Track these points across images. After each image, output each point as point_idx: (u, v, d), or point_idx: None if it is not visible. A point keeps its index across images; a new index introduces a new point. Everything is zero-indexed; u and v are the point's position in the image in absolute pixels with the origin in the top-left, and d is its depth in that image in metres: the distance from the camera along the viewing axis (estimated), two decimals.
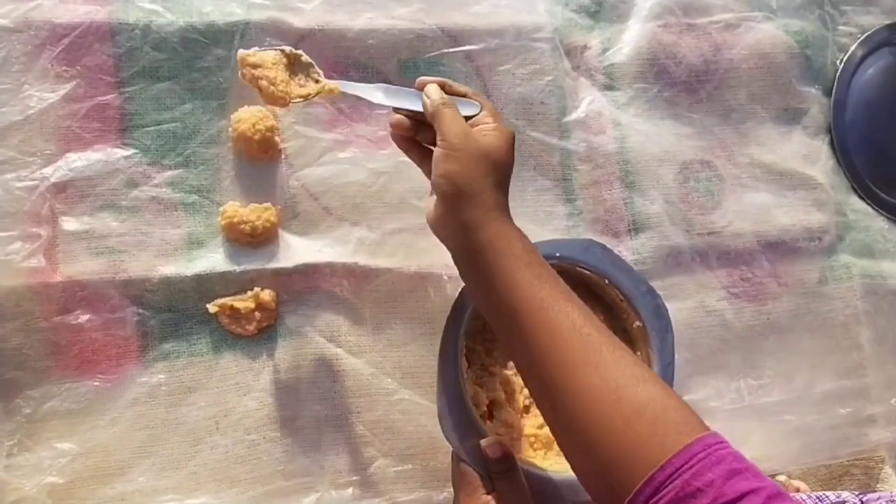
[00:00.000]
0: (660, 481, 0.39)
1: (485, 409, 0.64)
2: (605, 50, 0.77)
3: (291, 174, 0.68)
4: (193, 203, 0.66)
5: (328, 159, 0.69)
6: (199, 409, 0.64)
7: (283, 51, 0.59)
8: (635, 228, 0.75)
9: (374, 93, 0.57)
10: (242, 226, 0.65)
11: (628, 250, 0.74)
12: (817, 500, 0.63)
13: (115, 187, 0.64)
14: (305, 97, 0.59)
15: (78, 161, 0.63)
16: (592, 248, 0.66)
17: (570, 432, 0.45)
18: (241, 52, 0.57)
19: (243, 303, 0.65)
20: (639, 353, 0.67)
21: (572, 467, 0.46)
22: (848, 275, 0.80)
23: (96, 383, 0.62)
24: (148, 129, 0.65)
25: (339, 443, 0.66)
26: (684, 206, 0.77)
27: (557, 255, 0.65)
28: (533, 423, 0.65)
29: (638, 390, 0.43)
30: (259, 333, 0.66)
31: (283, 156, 0.68)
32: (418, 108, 0.55)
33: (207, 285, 0.65)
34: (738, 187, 0.79)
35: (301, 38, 0.68)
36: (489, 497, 0.54)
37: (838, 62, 0.84)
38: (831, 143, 0.83)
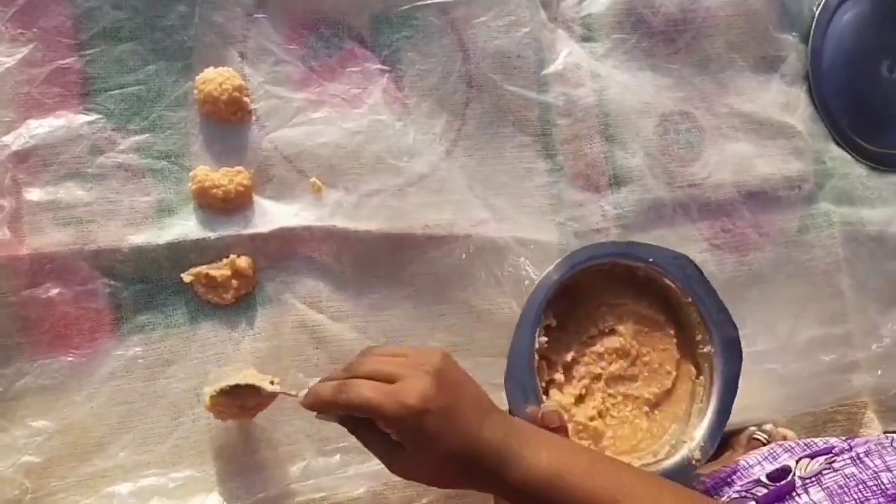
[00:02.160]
0: None
1: (543, 384, 0.65)
2: (581, 0, 0.77)
3: (263, 136, 0.67)
4: (162, 169, 0.65)
5: (301, 120, 0.68)
6: (178, 382, 0.64)
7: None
8: (616, 182, 0.76)
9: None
10: (214, 191, 0.64)
11: (610, 205, 0.75)
12: (805, 447, 0.65)
13: (79, 155, 0.63)
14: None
15: (39, 128, 0.62)
16: (685, 263, 0.68)
17: None
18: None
19: (219, 270, 0.65)
20: (701, 376, 0.69)
21: None
22: (828, 222, 0.82)
23: (70, 358, 0.61)
24: (111, 92, 0.64)
25: None
26: (665, 158, 0.78)
27: (650, 259, 0.67)
28: (584, 414, 0.66)
29: None
30: (237, 302, 0.66)
31: (253, 117, 0.67)
32: None
33: (181, 254, 0.64)
34: (717, 138, 0.80)
35: None
36: None
37: (815, 8, 0.85)
38: (809, 91, 0.84)
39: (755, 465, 0.67)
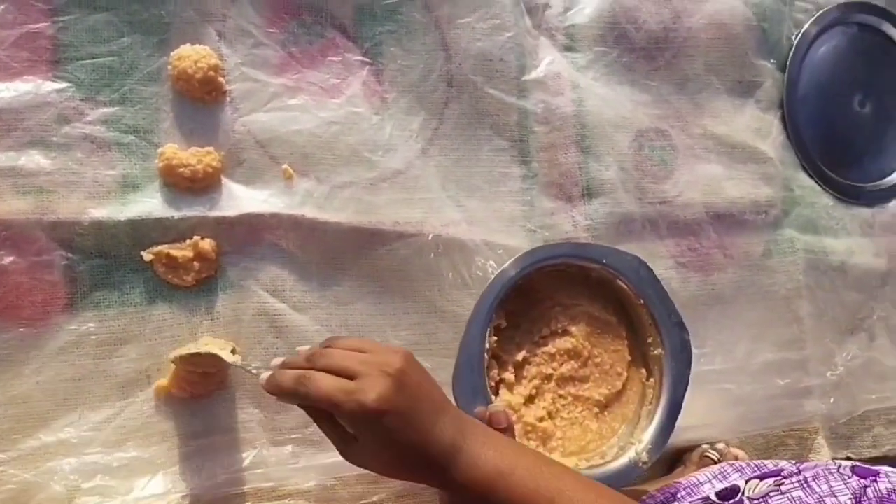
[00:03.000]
0: None
1: (493, 383, 0.66)
2: (566, 10, 0.78)
3: (237, 119, 0.67)
4: (129, 143, 0.64)
5: (276, 105, 0.68)
6: (129, 362, 0.63)
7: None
8: (589, 194, 0.77)
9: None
10: (182, 169, 0.64)
11: (581, 215, 0.77)
12: (755, 469, 0.67)
13: (44, 122, 0.62)
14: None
15: (4, 91, 0.61)
16: (639, 268, 0.69)
17: None
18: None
19: (181, 251, 0.64)
20: (651, 378, 0.70)
21: None
22: (792, 249, 0.84)
23: (21, 329, 0.60)
24: (83, 62, 0.63)
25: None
26: (638, 173, 0.79)
27: (604, 261, 0.68)
28: (534, 414, 0.67)
29: None
30: (197, 285, 0.66)
31: (227, 98, 0.67)
32: None
33: (143, 231, 0.64)
34: (690, 157, 0.82)
35: None
36: None
37: (793, 37, 0.87)
38: (783, 119, 0.86)
39: (705, 482, 0.68)
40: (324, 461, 0.67)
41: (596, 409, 0.69)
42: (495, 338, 0.66)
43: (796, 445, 0.83)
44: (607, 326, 0.71)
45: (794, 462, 0.64)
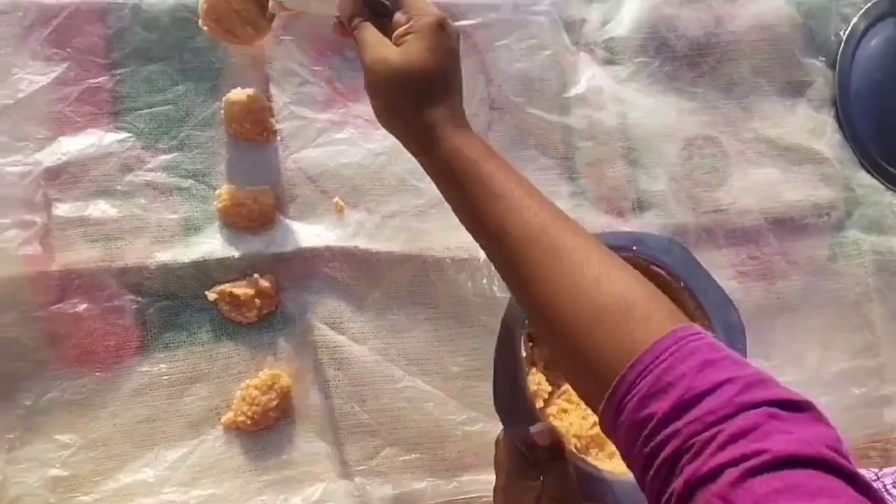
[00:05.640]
0: (631, 379, 0.41)
1: (534, 390, 0.69)
2: (604, 23, 0.85)
3: (287, 156, 0.75)
4: (189, 187, 0.73)
5: (324, 140, 0.76)
6: (200, 400, 0.71)
7: None
8: (640, 207, 0.83)
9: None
10: (239, 209, 0.72)
11: (634, 229, 0.82)
12: None
13: (109, 172, 0.70)
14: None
15: (71, 145, 0.70)
16: (672, 248, 0.70)
17: (552, 334, 0.48)
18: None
19: (242, 289, 0.72)
20: None
21: (564, 375, 0.50)
22: (858, 251, 0.88)
23: (97, 374, 0.68)
24: (141, 111, 0.72)
25: (344, 432, 0.73)
26: (689, 183, 0.85)
27: (634, 248, 0.69)
28: (581, 425, 0.70)
29: (601, 290, 0.45)
30: (259, 321, 0.73)
31: (278, 137, 0.75)
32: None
33: (206, 272, 0.71)
34: (743, 163, 0.87)
35: (295, 18, 0.75)
36: (535, 483, 0.58)
37: (842, 33, 0.92)
38: (837, 117, 0.91)
39: None
40: (390, 492, 0.72)
41: None
42: (531, 343, 0.69)
43: (879, 458, 0.85)
44: None
45: (873, 470, 0.67)
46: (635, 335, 0.43)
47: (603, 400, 0.43)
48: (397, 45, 0.55)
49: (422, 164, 0.56)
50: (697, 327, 0.43)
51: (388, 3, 0.57)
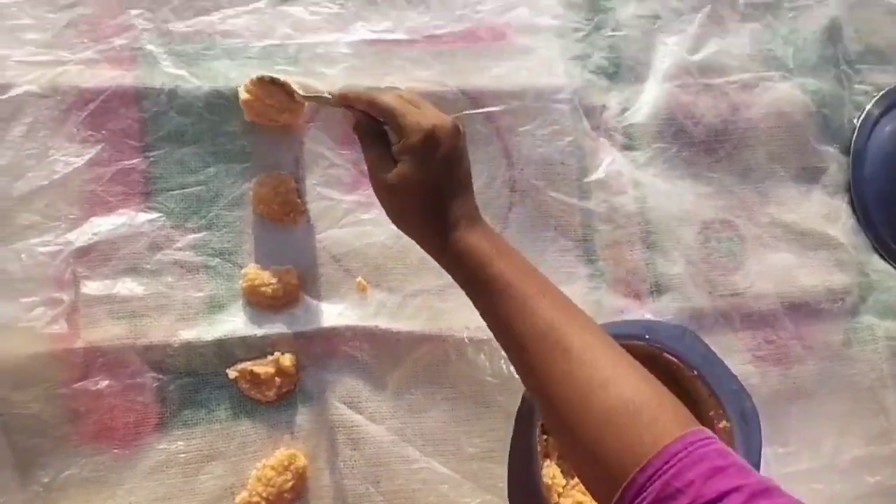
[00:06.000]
0: (641, 482, 0.42)
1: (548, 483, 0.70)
2: (623, 110, 0.87)
3: (313, 236, 0.76)
4: (215, 266, 0.74)
5: (350, 221, 0.77)
6: (215, 479, 0.71)
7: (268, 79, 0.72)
8: (657, 290, 0.84)
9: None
10: (263, 289, 0.73)
11: (651, 313, 0.83)
12: None
13: (138, 251, 0.72)
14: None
15: (102, 225, 0.71)
16: (684, 336, 0.71)
17: (561, 428, 0.49)
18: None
19: (263, 368, 0.72)
20: None
21: (572, 467, 0.51)
22: (872, 337, 0.89)
23: (115, 450, 0.69)
24: (172, 192, 0.74)
25: None
26: (706, 266, 0.86)
27: (647, 337, 0.71)
28: None
29: (609, 393, 0.47)
30: (279, 399, 0.73)
31: (305, 218, 0.77)
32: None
33: (228, 349, 0.72)
34: (759, 247, 0.88)
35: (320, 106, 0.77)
36: None
37: (855, 120, 0.94)
38: (851, 203, 0.93)
39: None
40: None
41: None
42: (545, 435, 0.69)
43: None
44: None
45: None
46: (644, 438, 0.44)
47: (612, 501, 0.44)
48: (397, 160, 0.58)
49: (439, 264, 0.59)
50: (707, 431, 0.45)
51: (380, 119, 0.60)
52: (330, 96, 0.65)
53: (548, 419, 0.53)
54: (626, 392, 0.47)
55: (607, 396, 0.47)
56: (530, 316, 0.52)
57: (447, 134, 0.57)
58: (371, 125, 0.61)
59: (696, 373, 0.71)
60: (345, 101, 0.62)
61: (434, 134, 0.56)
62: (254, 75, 0.72)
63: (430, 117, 0.57)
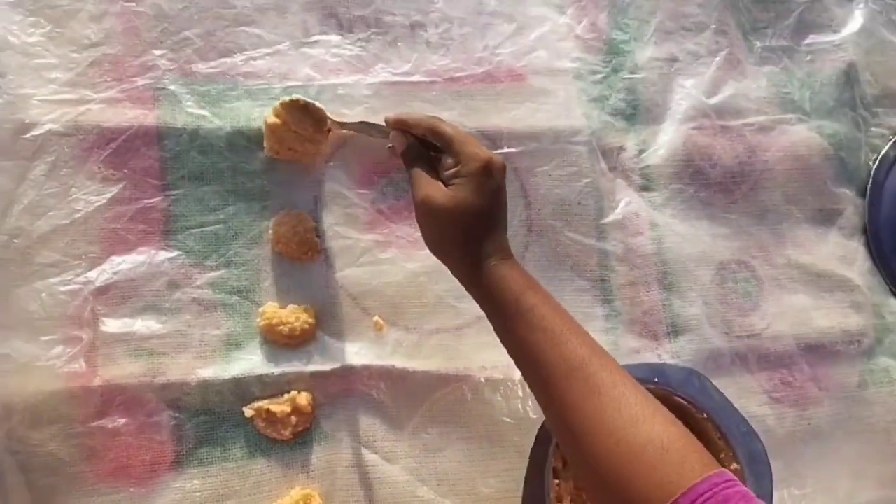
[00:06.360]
0: None
1: None
2: (640, 151, 0.88)
3: (331, 275, 0.77)
4: (233, 304, 0.74)
5: (368, 259, 0.78)
6: None
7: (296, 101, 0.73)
8: (674, 331, 0.84)
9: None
10: (281, 327, 0.73)
11: (668, 353, 0.83)
12: None
13: (157, 289, 0.72)
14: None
15: (122, 264, 0.71)
16: (693, 379, 0.71)
17: (585, 464, 0.50)
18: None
19: (279, 406, 0.72)
20: None
21: (591, 502, 0.52)
22: (888, 379, 0.89)
23: (131, 489, 0.68)
24: (192, 230, 0.74)
25: None
26: (723, 307, 0.86)
27: (656, 380, 0.71)
28: None
29: (639, 430, 0.48)
30: (294, 438, 0.73)
31: (323, 257, 0.77)
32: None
33: (245, 388, 0.72)
34: (776, 289, 0.88)
35: (344, 142, 0.78)
36: None
37: (871, 163, 0.95)
38: (867, 244, 0.93)
39: None
40: None
41: None
42: (557, 480, 0.69)
43: None
44: None
45: None
46: (671, 476, 0.45)
47: None
48: (447, 184, 0.59)
49: (468, 292, 0.61)
50: (729, 474, 0.46)
51: (438, 143, 0.62)
52: (361, 123, 0.68)
53: (570, 451, 0.53)
54: (656, 430, 0.48)
55: (637, 433, 0.48)
56: (561, 351, 0.54)
57: (499, 168, 0.61)
58: (420, 151, 0.63)
59: (705, 415, 0.71)
60: (401, 125, 0.65)
61: (490, 165, 0.59)
62: (286, 98, 0.73)
63: (486, 150, 0.61)
